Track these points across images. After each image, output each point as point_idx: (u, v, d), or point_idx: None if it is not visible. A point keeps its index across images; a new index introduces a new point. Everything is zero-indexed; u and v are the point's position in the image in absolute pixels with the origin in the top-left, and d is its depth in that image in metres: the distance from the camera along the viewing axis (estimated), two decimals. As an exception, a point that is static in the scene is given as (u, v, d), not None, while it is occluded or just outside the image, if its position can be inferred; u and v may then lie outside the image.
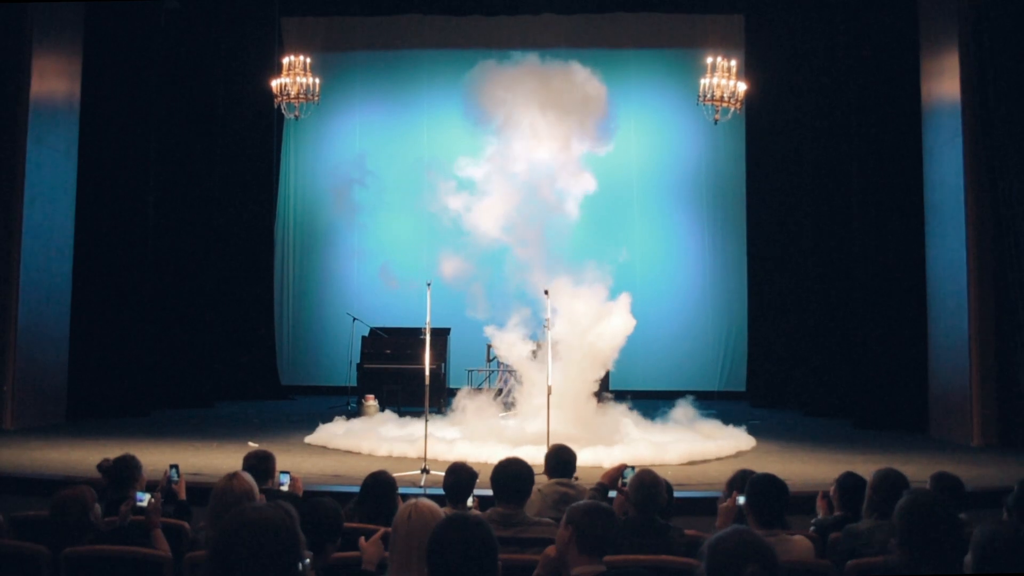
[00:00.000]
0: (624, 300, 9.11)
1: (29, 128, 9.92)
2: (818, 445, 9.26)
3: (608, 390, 9.90)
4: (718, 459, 8.25)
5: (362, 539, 3.34)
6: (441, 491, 4.36)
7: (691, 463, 8.01)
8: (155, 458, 7.00)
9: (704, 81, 10.49)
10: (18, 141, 9.88)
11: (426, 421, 7.59)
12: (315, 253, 14.96)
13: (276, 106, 11.61)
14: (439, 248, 9.93)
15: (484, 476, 4.27)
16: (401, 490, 4.47)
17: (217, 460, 7.63)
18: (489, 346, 10.22)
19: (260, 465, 4.58)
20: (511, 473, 3.96)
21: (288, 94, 11.13)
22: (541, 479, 4.59)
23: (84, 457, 7.58)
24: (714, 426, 9.52)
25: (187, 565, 3.57)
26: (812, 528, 4.32)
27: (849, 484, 4.37)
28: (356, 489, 4.53)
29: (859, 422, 10.95)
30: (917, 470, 6.36)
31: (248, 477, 3.75)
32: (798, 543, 3.65)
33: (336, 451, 8.55)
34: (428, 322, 7.72)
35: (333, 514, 3.38)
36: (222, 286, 13.28)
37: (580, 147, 9.74)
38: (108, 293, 11.07)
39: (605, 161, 10.72)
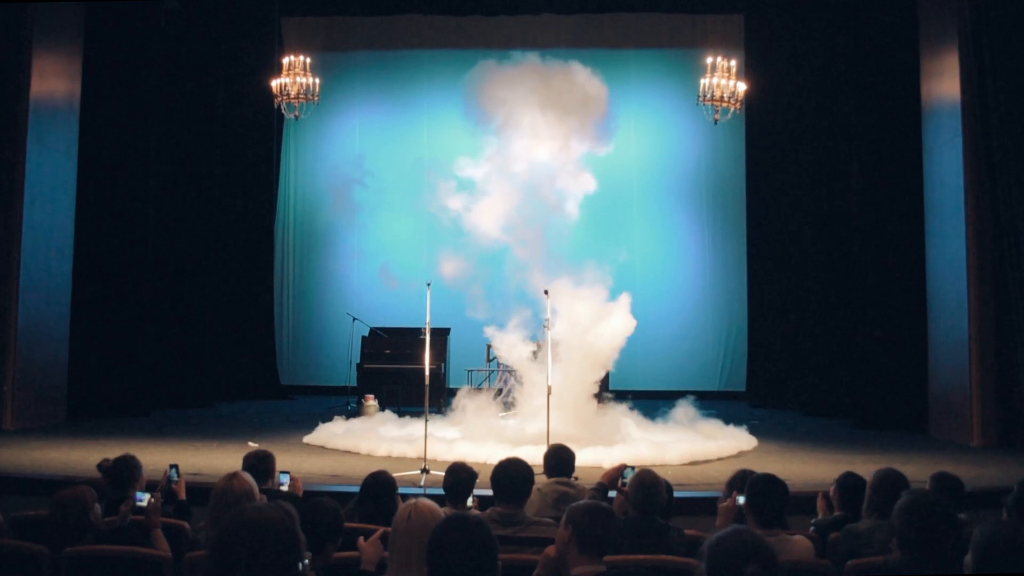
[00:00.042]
0: (624, 300, 9.10)
1: (29, 128, 9.93)
2: (818, 445, 9.26)
3: (608, 390, 9.90)
4: (719, 459, 8.24)
5: (361, 539, 3.33)
6: (441, 491, 4.36)
7: (692, 463, 8.01)
8: (155, 458, 7.00)
9: (704, 81, 10.48)
10: (18, 141, 9.89)
11: (426, 421, 7.59)
12: (315, 253, 14.96)
13: (276, 106, 11.60)
14: (439, 248, 9.94)
15: (484, 476, 4.27)
16: (401, 490, 4.47)
17: (217, 460, 7.63)
18: (489, 346, 10.22)
19: (260, 465, 4.58)
20: (511, 473, 3.96)
21: (288, 94, 11.12)
22: (540, 479, 4.59)
23: (84, 457, 7.58)
24: (715, 426, 9.51)
25: (187, 565, 3.56)
26: (812, 528, 4.32)
27: (849, 484, 4.37)
28: (356, 489, 4.52)
29: (859, 422, 10.95)
30: (917, 470, 6.36)
31: (248, 477, 3.75)
32: (798, 543, 3.65)
33: (335, 451, 8.55)
34: (428, 322, 7.72)
35: (333, 514, 3.37)
36: (222, 286, 13.27)
37: (580, 147, 9.74)
38: (108, 293, 11.08)
39: (605, 161, 10.71)
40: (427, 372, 7.71)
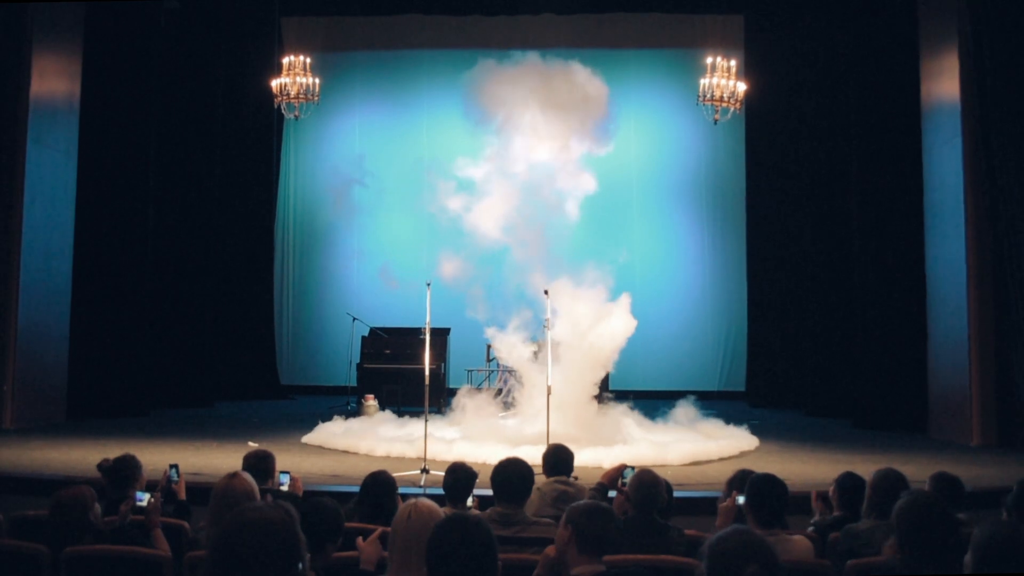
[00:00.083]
0: (624, 301, 9.10)
1: (29, 128, 9.92)
2: (818, 445, 9.26)
3: (608, 390, 9.90)
4: (720, 459, 8.22)
5: (360, 539, 3.33)
6: (441, 491, 4.36)
7: (694, 463, 8.00)
8: (155, 458, 7.00)
9: (704, 81, 10.49)
10: (18, 141, 9.88)
11: (426, 421, 7.58)
12: (315, 253, 14.96)
13: (276, 106, 11.61)
14: (439, 248, 9.94)
15: (484, 476, 4.27)
16: (401, 490, 4.47)
17: (217, 460, 7.63)
18: (489, 346, 10.22)
19: (260, 465, 4.58)
20: (511, 473, 3.96)
21: (288, 94, 11.13)
22: (540, 479, 4.59)
23: (84, 457, 7.58)
24: (716, 426, 9.51)
25: (187, 565, 3.56)
26: (812, 528, 4.32)
27: (848, 484, 4.36)
28: (356, 489, 4.52)
29: (859, 422, 10.95)
30: (917, 470, 6.36)
31: (248, 477, 3.75)
32: (798, 543, 3.65)
33: (335, 451, 8.55)
34: (428, 322, 7.72)
35: (333, 514, 3.38)
36: (222, 286, 13.27)
37: (580, 147, 9.73)
38: (108, 293, 11.07)
39: (605, 161, 10.71)
40: (427, 372, 7.71)
